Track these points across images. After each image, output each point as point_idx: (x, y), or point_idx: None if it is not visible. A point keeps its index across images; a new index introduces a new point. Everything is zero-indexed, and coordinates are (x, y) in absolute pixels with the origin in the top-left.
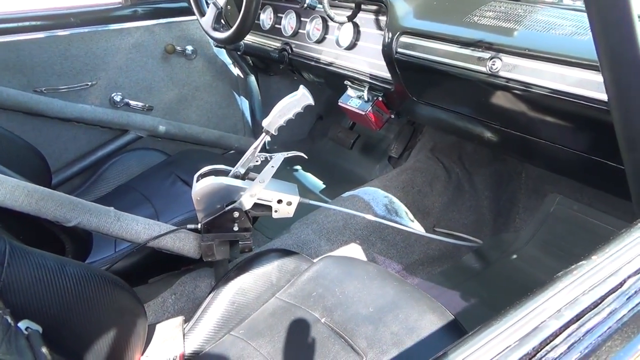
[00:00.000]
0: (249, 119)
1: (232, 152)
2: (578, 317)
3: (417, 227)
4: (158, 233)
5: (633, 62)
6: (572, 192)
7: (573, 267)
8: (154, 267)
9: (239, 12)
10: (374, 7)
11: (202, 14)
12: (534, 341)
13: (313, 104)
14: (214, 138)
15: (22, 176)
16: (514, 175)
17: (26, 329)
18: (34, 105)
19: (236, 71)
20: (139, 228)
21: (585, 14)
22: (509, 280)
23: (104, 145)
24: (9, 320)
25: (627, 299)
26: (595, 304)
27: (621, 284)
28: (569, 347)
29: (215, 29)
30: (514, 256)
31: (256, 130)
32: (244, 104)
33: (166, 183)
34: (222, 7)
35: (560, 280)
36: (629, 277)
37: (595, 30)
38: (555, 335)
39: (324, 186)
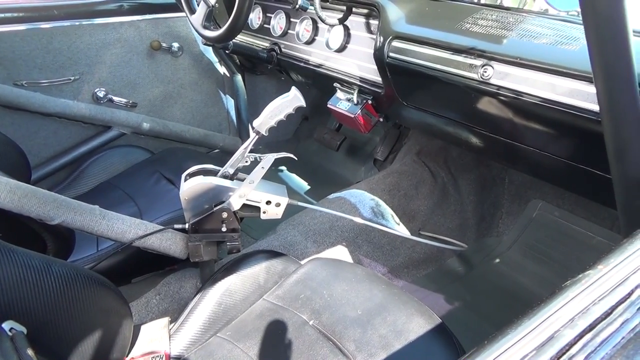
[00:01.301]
0: (234, 118)
1: (216, 151)
2: (591, 327)
3: (402, 230)
4: (144, 232)
5: (626, 75)
6: (554, 199)
7: (580, 276)
8: (138, 267)
9: (228, 11)
10: (365, 11)
11: (192, 11)
12: (551, 350)
13: (305, 105)
14: (199, 136)
15: (0, 171)
16: (497, 181)
17: (10, 330)
18: (13, 98)
19: (222, 70)
20: (125, 227)
21: (574, 25)
22: (492, 284)
23: (86, 141)
24: None
25: (638, 309)
26: (606, 314)
27: (630, 294)
28: (586, 357)
29: (205, 27)
30: (497, 260)
31: (241, 129)
32: (230, 102)
33: (150, 181)
34: (212, 5)
35: (569, 289)
36: (637, 287)
37: (591, 43)
38: (570, 344)
39: (308, 187)
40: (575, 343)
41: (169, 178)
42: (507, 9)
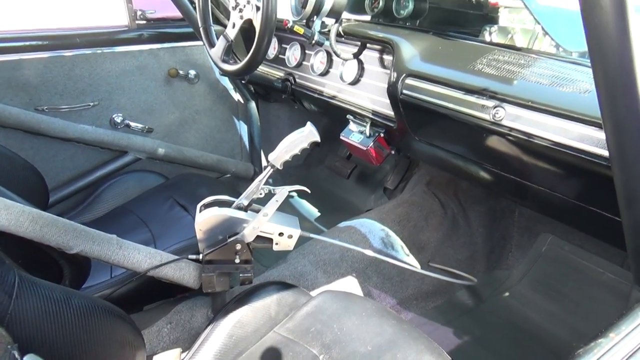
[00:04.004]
0: (247, 144)
1: (228, 176)
2: None
3: (412, 262)
4: (159, 262)
5: (635, 124)
6: (563, 233)
7: (593, 344)
8: (150, 294)
9: (246, 44)
10: (379, 47)
11: (212, 45)
12: None
13: (319, 141)
14: (212, 162)
15: (20, 195)
16: (507, 213)
17: None
18: (35, 124)
19: (237, 96)
20: (141, 257)
21: (584, 69)
22: (501, 318)
23: (102, 165)
24: (16, 355)
25: None
26: None
27: None
28: None
29: (224, 61)
30: (506, 294)
31: (254, 155)
32: (243, 129)
33: (164, 207)
34: (232, 40)
35: (582, 358)
36: None
37: (600, 92)
38: None
39: (319, 214)
40: None
41: (183, 204)
42: (519, 49)
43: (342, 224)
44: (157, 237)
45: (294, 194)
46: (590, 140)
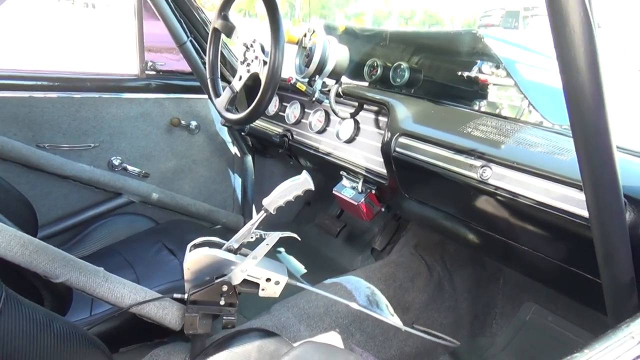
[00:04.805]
0: (239, 196)
1: (218, 226)
2: None
3: (396, 322)
4: (143, 299)
5: (612, 186)
6: (547, 303)
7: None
8: (128, 336)
9: (247, 99)
10: (375, 108)
11: (218, 95)
12: None
13: (313, 189)
14: (204, 211)
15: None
16: (492, 280)
17: None
18: (35, 159)
19: (234, 150)
20: (125, 292)
21: (566, 138)
22: None
23: (95, 205)
24: None
25: None
26: None
27: None
28: None
29: (228, 110)
30: None
31: (245, 208)
32: (237, 181)
33: (151, 250)
34: (237, 92)
35: None
36: None
37: (580, 156)
38: None
39: (305, 271)
40: None
41: (171, 249)
42: (506, 118)
43: (328, 281)
44: (142, 278)
45: (282, 249)
46: (571, 200)
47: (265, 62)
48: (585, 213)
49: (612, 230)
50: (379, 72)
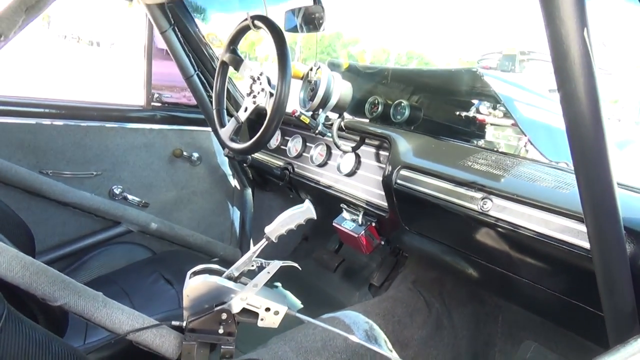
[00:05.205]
0: (237, 229)
1: (215, 259)
2: None
3: (395, 358)
4: (140, 326)
5: (612, 218)
6: (547, 342)
7: None
8: None
9: (249, 131)
10: (376, 142)
11: (223, 125)
12: None
13: (315, 218)
14: (201, 243)
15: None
16: (491, 318)
17: None
18: (37, 185)
19: (234, 182)
20: (123, 318)
21: (564, 172)
22: None
23: (93, 234)
24: None
25: None
26: None
27: None
28: None
29: (232, 140)
30: None
31: (243, 241)
32: (236, 214)
33: (148, 280)
34: (242, 122)
35: None
36: None
37: (581, 189)
38: None
39: (302, 306)
40: None
41: (168, 279)
42: (505, 153)
43: (326, 315)
44: (138, 308)
45: (279, 283)
46: (571, 232)
47: (271, 94)
48: (585, 244)
49: (614, 262)
50: (379, 109)
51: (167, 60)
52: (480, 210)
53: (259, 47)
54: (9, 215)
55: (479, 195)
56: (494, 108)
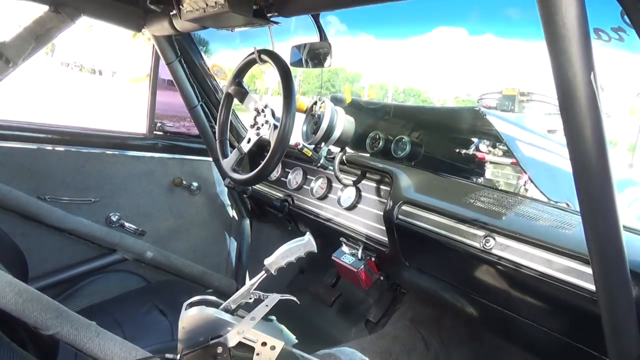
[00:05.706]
0: (234, 260)
1: (210, 291)
2: None
3: None
4: (134, 358)
5: (618, 261)
6: None
7: None
8: None
9: (250, 163)
10: (377, 177)
11: (225, 156)
12: None
13: (316, 251)
14: (197, 273)
15: None
16: (490, 359)
17: None
18: (34, 210)
19: (232, 213)
20: (116, 350)
21: (566, 213)
22: None
23: (87, 261)
24: None
25: None
26: None
27: None
28: None
29: (234, 171)
30: None
31: (238, 272)
32: (233, 245)
33: (142, 310)
34: (244, 153)
35: None
36: None
37: (588, 232)
38: None
39: (296, 342)
40: None
41: (162, 309)
42: (506, 191)
43: (321, 352)
44: (129, 339)
45: (274, 317)
46: (574, 273)
47: (275, 127)
48: (588, 286)
49: (620, 305)
50: (381, 144)
51: (167, 90)
52: (483, 248)
53: (258, 81)
54: (3, 240)
55: (481, 232)
56: (494, 146)
